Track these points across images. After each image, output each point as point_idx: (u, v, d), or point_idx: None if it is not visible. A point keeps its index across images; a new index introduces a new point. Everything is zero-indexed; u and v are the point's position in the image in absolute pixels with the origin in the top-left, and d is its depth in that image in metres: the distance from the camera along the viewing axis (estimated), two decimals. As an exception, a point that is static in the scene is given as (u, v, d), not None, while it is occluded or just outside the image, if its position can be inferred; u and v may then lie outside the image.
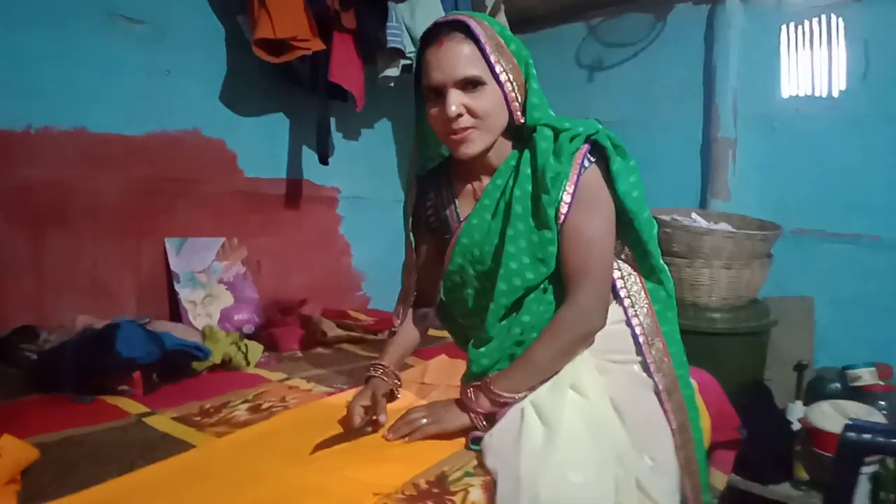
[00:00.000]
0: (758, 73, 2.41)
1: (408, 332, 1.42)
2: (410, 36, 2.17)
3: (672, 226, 2.11)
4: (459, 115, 1.11)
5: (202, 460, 1.11)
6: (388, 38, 2.09)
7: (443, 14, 2.11)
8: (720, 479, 1.74)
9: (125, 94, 1.96)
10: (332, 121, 2.42)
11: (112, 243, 1.97)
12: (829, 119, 2.27)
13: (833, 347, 2.26)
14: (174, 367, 1.57)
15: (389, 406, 1.27)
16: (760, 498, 1.99)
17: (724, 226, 2.18)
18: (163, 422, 1.31)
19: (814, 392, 2.15)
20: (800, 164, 2.33)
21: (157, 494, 0.96)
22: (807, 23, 2.29)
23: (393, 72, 2.22)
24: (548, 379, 1.15)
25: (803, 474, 1.95)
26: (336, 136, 2.48)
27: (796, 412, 2.07)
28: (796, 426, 2.02)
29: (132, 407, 1.40)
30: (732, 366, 2.04)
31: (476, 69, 1.10)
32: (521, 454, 1.00)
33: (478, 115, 1.12)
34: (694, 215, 2.23)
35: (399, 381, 1.35)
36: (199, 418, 1.33)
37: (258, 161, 2.32)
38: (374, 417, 1.19)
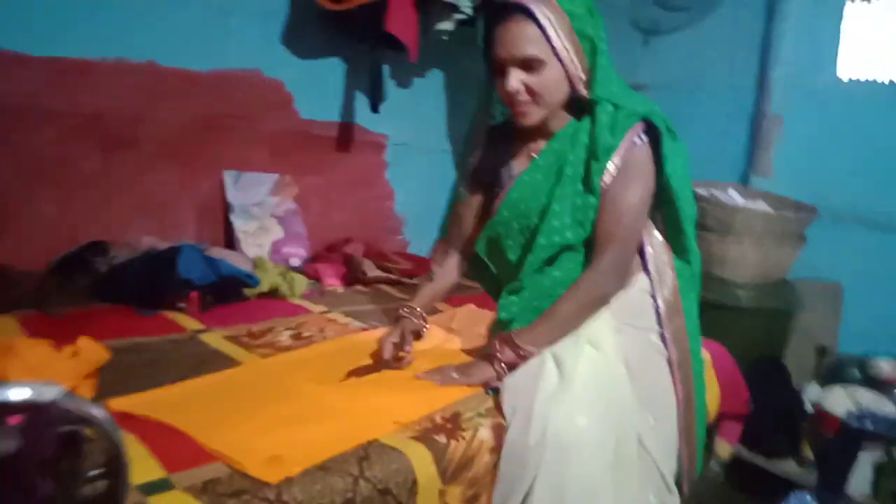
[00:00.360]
0: (816, 50, 2.35)
1: (441, 279, 1.52)
2: (467, -9, 2.19)
3: (707, 200, 2.14)
4: (518, 92, 1.20)
5: (247, 376, 1.26)
6: (445, -8, 2.12)
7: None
8: (725, 449, 1.83)
9: (192, 31, 2.06)
10: (386, 69, 2.48)
11: (175, 171, 2.12)
12: (885, 105, 2.22)
13: (858, 335, 2.27)
14: (227, 291, 1.72)
15: (417, 344, 1.40)
16: (763, 470, 2.07)
17: (760, 204, 2.20)
18: (215, 339, 1.47)
19: (832, 376, 2.19)
20: (847, 147, 2.29)
21: (208, 402, 1.11)
22: (874, 1, 2.22)
23: (447, 25, 2.26)
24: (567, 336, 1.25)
25: (809, 453, 2.02)
26: (388, 84, 2.54)
27: (811, 394, 2.12)
28: (809, 408, 2.07)
29: (189, 323, 1.56)
30: (752, 342, 2.09)
31: (536, 49, 1.18)
32: (537, 394, 1.11)
33: (535, 92, 1.21)
34: (731, 191, 2.24)
35: (426, 323, 1.46)
36: (246, 339, 1.48)
37: (313, 103, 2.41)
38: (402, 353, 1.31)
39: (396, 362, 1.31)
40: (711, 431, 1.69)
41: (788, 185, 2.36)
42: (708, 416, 1.51)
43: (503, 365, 1.24)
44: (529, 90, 1.21)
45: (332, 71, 2.47)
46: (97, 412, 0.43)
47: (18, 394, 0.38)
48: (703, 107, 2.61)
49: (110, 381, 1.15)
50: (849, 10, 2.28)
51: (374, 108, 2.35)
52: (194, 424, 0.99)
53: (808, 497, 1.31)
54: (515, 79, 1.19)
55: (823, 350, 2.27)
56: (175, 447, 0.93)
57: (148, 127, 2.03)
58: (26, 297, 1.54)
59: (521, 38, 1.17)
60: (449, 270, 1.52)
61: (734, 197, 2.21)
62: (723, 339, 1.78)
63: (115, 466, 0.48)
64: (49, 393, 0.35)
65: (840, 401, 1.91)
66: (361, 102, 2.51)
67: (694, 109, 2.63)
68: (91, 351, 1.15)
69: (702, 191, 2.21)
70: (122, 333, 1.41)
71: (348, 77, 2.50)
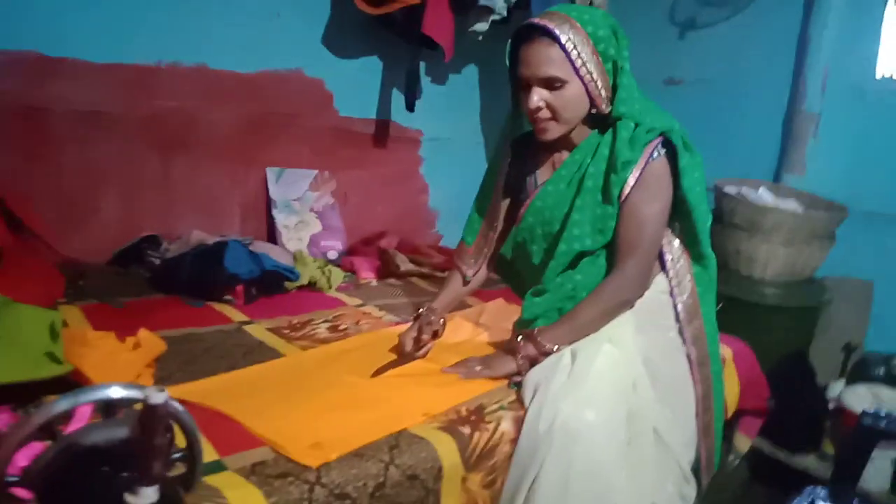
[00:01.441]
0: (854, 48, 2.33)
1: (460, 282, 1.59)
2: (502, -7, 2.25)
3: (736, 199, 2.16)
4: (539, 108, 1.27)
5: (290, 367, 1.37)
6: (481, -5, 2.18)
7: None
8: (744, 443, 1.88)
9: (240, 35, 2.17)
10: (422, 66, 2.56)
11: (224, 168, 2.25)
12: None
13: (887, 334, 2.28)
14: (270, 284, 1.84)
15: (445, 338, 1.49)
16: (783, 465, 2.11)
17: (791, 203, 2.21)
18: (259, 330, 1.58)
19: (858, 374, 2.20)
20: (882, 145, 2.28)
21: (255, 390, 1.22)
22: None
23: (482, 27, 2.32)
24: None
25: (830, 449, 2.05)
26: (424, 81, 2.62)
27: (835, 391, 2.15)
28: (832, 404, 2.10)
29: (235, 315, 1.68)
30: (777, 339, 2.12)
31: (558, 70, 1.24)
32: (550, 385, 1.19)
33: (556, 110, 1.27)
34: (762, 190, 2.26)
35: (444, 322, 1.51)
36: (287, 331, 1.60)
37: (352, 101, 2.51)
38: (421, 348, 1.40)
39: (417, 353, 1.40)
40: (731, 425, 1.75)
41: (822, 184, 2.35)
42: (727, 412, 1.57)
43: (525, 360, 1.32)
44: (550, 108, 1.27)
45: (370, 70, 2.56)
46: (181, 409, 0.53)
47: (135, 394, 0.49)
48: (737, 102, 2.63)
49: (171, 368, 1.28)
50: (890, 10, 2.25)
51: (411, 107, 2.44)
52: (243, 411, 1.10)
53: (822, 491, 1.35)
54: (537, 97, 1.26)
55: (850, 348, 2.28)
56: (226, 432, 1.03)
57: (200, 127, 2.16)
58: (91, 289, 1.68)
59: (545, 59, 1.24)
60: (477, 275, 1.59)
61: (764, 196, 2.23)
62: (749, 337, 1.82)
63: (192, 450, 0.58)
64: (159, 397, 0.45)
65: (861, 398, 1.93)
66: (398, 99, 2.59)
67: (729, 105, 2.65)
68: (150, 342, 1.29)
69: (731, 189, 2.23)
70: (175, 324, 1.53)
71: (385, 75, 2.59)
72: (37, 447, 0.54)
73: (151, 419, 0.46)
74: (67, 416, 0.58)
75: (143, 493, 0.47)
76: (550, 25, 1.23)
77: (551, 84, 1.25)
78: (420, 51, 2.40)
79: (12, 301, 1.17)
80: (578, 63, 1.24)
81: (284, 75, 2.31)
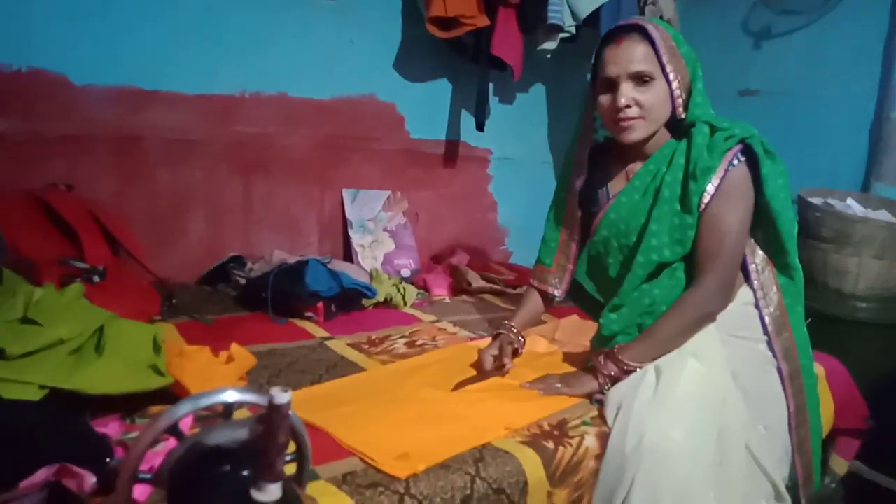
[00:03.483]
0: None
1: (538, 300, 1.59)
2: (571, 11, 2.26)
3: (822, 210, 2.07)
4: (628, 106, 1.27)
5: (372, 381, 1.40)
6: (549, 14, 2.20)
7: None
8: (841, 465, 1.78)
9: (317, 63, 2.27)
10: (490, 86, 2.59)
11: (302, 190, 2.34)
12: None
13: None
14: (349, 301, 1.89)
15: (519, 357, 1.48)
16: (885, 489, 1.98)
17: (882, 213, 2.10)
18: (339, 346, 1.63)
19: (964, 394, 2.06)
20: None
21: (341, 403, 1.25)
22: None
23: (551, 45, 2.33)
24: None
25: (936, 474, 1.92)
26: (492, 101, 2.65)
27: (939, 412, 2.01)
28: (936, 426, 1.97)
29: (316, 331, 1.74)
30: (872, 356, 2.01)
31: (648, 66, 1.26)
32: (634, 403, 1.16)
33: (644, 107, 1.27)
34: (850, 200, 2.16)
35: (523, 340, 1.51)
36: (367, 346, 1.63)
37: (422, 123, 2.57)
38: (502, 365, 1.39)
39: (497, 371, 1.40)
40: (827, 447, 1.66)
41: (916, 193, 2.24)
42: (822, 431, 1.50)
43: (606, 378, 1.30)
44: (639, 104, 1.27)
45: (439, 92, 2.62)
46: (293, 414, 0.56)
47: (261, 398, 0.52)
48: (818, 112, 2.53)
49: (260, 382, 1.33)
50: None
51: (480, 127, 2.47)
52: (332, 423, 1.13)
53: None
54: (627, 92, 1.26)
55: (955, 367, 2.13)
56: (316, 442, 1.05)
57: (279, 152, 2.26)
58: (183, 306, 1.77)
59: (636, 54, 1.26)
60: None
61: (853, 206, 2.13)
62: (841, 354, 1.73)
63: (301, 451, 0.61)
64: (283, 397, 0.48)
65: (972, 422, 1.80)
66: (467, 120, 2.63)
67: (809, 114, 2.56)
68: (242, 356, 1.34)
69: (817, 200, 2.15)
70: (262, 339, 1.59)
71: (455, 97, 2.64)
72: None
73: (276, 418, 0.49)
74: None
75: (267, 490, 0.50)
76: (640, 23, 1.27)
77: (641, 79, 1.26)
78: (489, 71, 2.43)
79: (117, 316, 1.25)
80: (665, 60, 1.26)
81: (358, 100, 2.40)
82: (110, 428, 1.02)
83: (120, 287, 1.60)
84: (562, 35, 2.32)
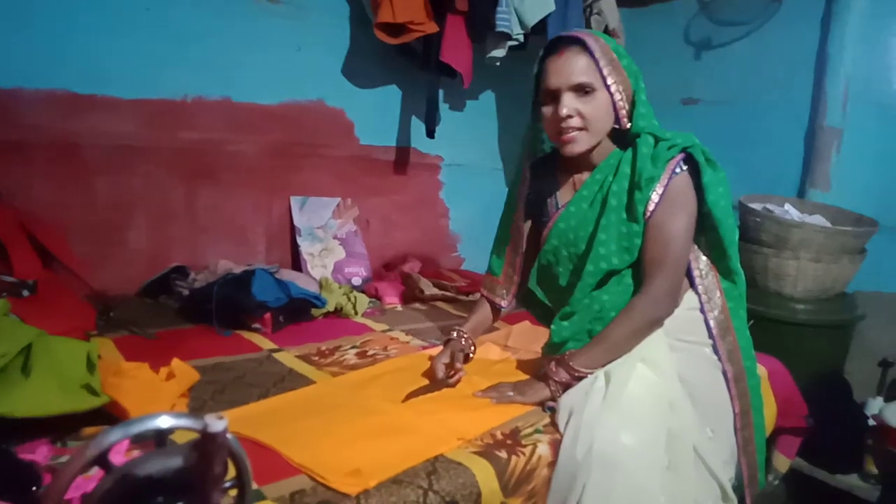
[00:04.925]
0: (875, 61, 2.33)
1: (488, 309, 1.60)
2: (519, 19, 2.27)
3: (762, 215, 2.14)
4: (570, 117, 1.28)
5: (322, 394, 1.36)
6: (497, 21, 2.21)
7: (552, 2, 2.22)
8: (783, 463, 1.84)
9: (264, 68, 2.22)
10: (440, 93, 2.59)
11: (249, 198, 2.28)
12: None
13: (924, 348, 2.23)
14: (297, 311, 1.85)
15: (474, 362, 1.48)
16: (825, 485, 2.05)
17: (817, 218, 2.18)
18: (288, 358, 1.58)
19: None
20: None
21: (289, 418, 1.21)
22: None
23: (500, 52, 2.34)
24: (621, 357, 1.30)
25: (873, 468, 1.99)
26: (442, 108, 2.65)
27: (874, 408, 2.10)
28: (872, 421, 2.05)
29: (264, 343, 1.68)
30: (811, 356, 2.08)
31: (589, 77, 1.27)
32: (585, 410, 1.17)
33: (586, 118, 1.29)
34: (787, 206, 2.24)
35: (474, 346, 1.52)
36: (316, 358, 1.59)
37: (372, 130, 2.54)
38: (454, 373, 1.38)
39: (450, 380, 1.39)
40: (769, 445, 1.71)
41: (848, 199, 2.33)
42: (766, 431, 1.54)
43: (558, 385, 1.30)
44: (581, 115, 1.29)
45: (389, 98, 2.59)
46: (231, 436, 0.53)
47: (196, 424, 0.48)
48: (757, 120, 2.62)
49: (203, 398, 1.28)
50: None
51: (431, 134, 2.46)
52: (278, 439, 1.09)
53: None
54: (568, 104, 1.28)
55: (888, 363, 2.23)
56: (263, 461, 1.02)
57: (225, 158, 2.20)
58: (122, 320, 1.69)
59: (576, 67, 1.27)
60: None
61: (790, 212, 2.21)
62: (781, 354, 1.79)
63: (242, 478, 0.58)
64: (219, 425, 0.45)
65: (904, 417, 1.89)
66: (417, 127, 2.62)
67: (748, 122, 2.65)
68: (184, 372, 1.28)
69: (757, 206, 2.22)
70: (206, 353, 1.54)
71: (404, 103, 2.62)
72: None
73: (211, 447, 0.46)
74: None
75: (204, 522, 0.47)
76: (581, 35, 1.28)
77: (581, 91, 1.27)
78: (439, 78, 2.43)
79: (47, 334, 1.18)
80: (606, 71, 1.27)
81: (306, 106, 2.35)
82: (38, 453, 0.96)
83: (51, 301, 1.52)
84: (510, 43, 2.33)
